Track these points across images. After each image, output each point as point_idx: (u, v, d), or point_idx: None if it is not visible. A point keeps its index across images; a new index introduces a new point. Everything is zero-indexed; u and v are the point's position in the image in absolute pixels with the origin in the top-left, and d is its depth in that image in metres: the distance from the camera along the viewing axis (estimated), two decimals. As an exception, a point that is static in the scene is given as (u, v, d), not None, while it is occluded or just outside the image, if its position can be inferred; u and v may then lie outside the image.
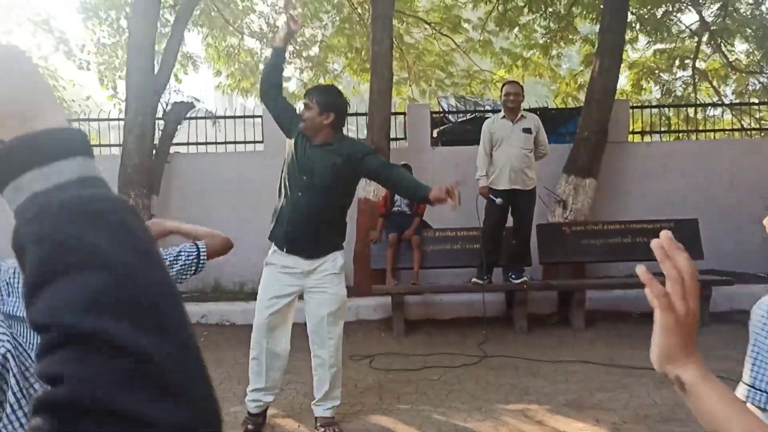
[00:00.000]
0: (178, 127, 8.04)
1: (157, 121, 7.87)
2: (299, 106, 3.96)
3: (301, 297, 4.01)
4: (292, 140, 3.87)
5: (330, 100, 3.80)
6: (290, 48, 12.31)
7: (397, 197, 6.85)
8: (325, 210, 3.84)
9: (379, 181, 4.03)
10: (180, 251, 2.24)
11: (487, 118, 6.84)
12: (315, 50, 12.70)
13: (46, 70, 12.32)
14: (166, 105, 8.10)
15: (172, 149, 8.20)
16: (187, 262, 2.23)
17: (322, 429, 3.91)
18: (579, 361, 5.34)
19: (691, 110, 9.96)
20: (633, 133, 9.10)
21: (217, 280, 8.08)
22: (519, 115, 6.37)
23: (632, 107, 9.11)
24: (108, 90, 11.45)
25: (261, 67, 12.15)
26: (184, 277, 2.24)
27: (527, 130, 6.33)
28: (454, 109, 9.77)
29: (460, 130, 8.91)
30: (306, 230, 3.82)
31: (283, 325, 3.99)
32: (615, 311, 6.91)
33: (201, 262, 2.28)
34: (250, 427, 3.97)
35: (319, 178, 3.77)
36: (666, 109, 10.10)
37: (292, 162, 3.85)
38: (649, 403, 4.32)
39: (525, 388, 4.72)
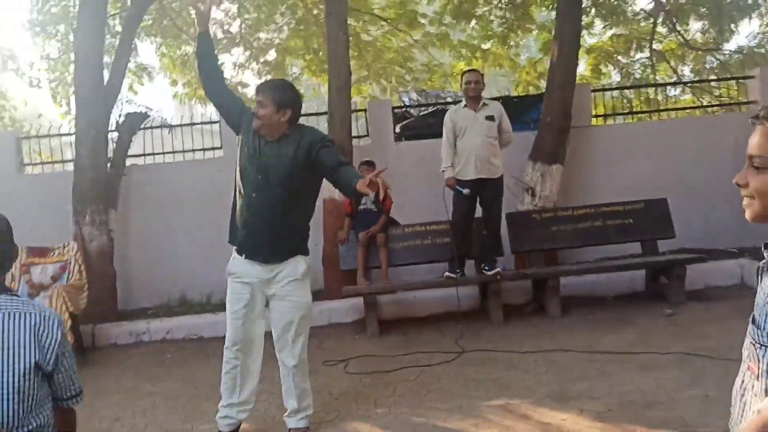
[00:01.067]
0: (133, 138, 7.77)
1: (110, 134, 7.60)
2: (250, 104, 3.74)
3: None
4: (244, 137, 3.66)
5: (286, 96, 3.59)
6: (246, 53, 12.11)
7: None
8: (284, 210, 3.62)
9: (327, 176, 3.65)
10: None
11: (449, 109, 6.71)
12: (272, 54, 12.48)
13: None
14: (119, 116, 7.82)
15: (129, 161, 7.93)
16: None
17: (296, 441, 3.74)
18: (558, 349, 5.23)
19: (651, 91, 9.95)
20: (596, 116, 9.04)
21: (183, 293, 7.84)
22: (481, 103, 6.26)
23: (593, 90, 9.05)
24: (61, 107, 11.11)
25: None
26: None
27: (490, 118, 6.22)
28: (416, 103, 9.64)
29: (422, 124, 8.76)
30: (263, 232, 3.62)
31: (255, 338, 3.83)
32: (590, 296, 6.84)
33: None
34: (223, 445, 3.78)
35: (275, 174, 3.57)
36: (627, 91, 10.07)
37: (245, 159, 3.64)
38: (632, 389, 4.22)
39: (506, 382, 4.59)
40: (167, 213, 7.94)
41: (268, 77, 12.38)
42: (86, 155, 7.11)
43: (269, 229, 3.61)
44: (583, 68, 11.30)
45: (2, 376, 1.84)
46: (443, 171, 6.29)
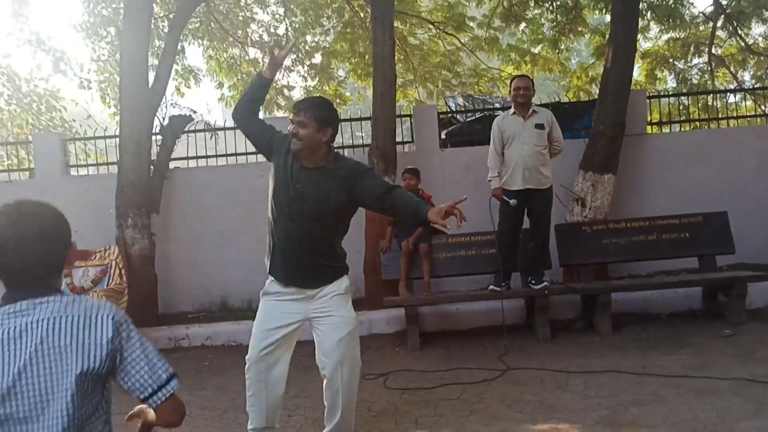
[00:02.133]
0: (177, 141, 7.74)
1: (154, 137, 7.58)
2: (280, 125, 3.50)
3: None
4: (276, 162, 3.46)
5: (327, 115, 3.39)
6: (292, 55, 12.05)
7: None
8: (319, 240, 3.44)
9: (377, 207, 3.45)
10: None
11: (497, 116, 6.48)
12: (318, 57, 12.42)
13: (47, 91, 12.17)
14: (163, 119, 7.81)
15: (171, 164, 7.91)
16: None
17: (331, 466, 3.55)
18: (609, 370, 4.96)
19: (710, 98, 9.54)
20: (651, 124, 8.70)
21: (224, 298, 7.78)
22: (530, 111, 6.02)
23: (649, 97, 8.70)
24: (110, 108, 11.21)
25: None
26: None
27: (540, 126, 5.98)
28: (462, 109, 9.42)
29: (469, 130, 8.54)
30: (301, 262, 3.43)
31: (282, 358, 3.57)
32: (642, 313, 6.54)
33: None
34: (255, 466, 3.60)
35: (311, 206, 3.36)
36: (684, 98, 9.67)
37: (278, 188, 3.43)
38: (689, 417, 3.94)
39: (552, 405, 4.35)
40: (209, 217, 7.88)
41: (313, 80, 12.33)
42: (130, 158, 7.10)
43: (309, 258, 3.44)
44: (637, 73, 10.92)
45: (51, 397, 1.69)
46: (490, 180, 6.08)
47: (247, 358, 3.56)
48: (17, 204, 1.79)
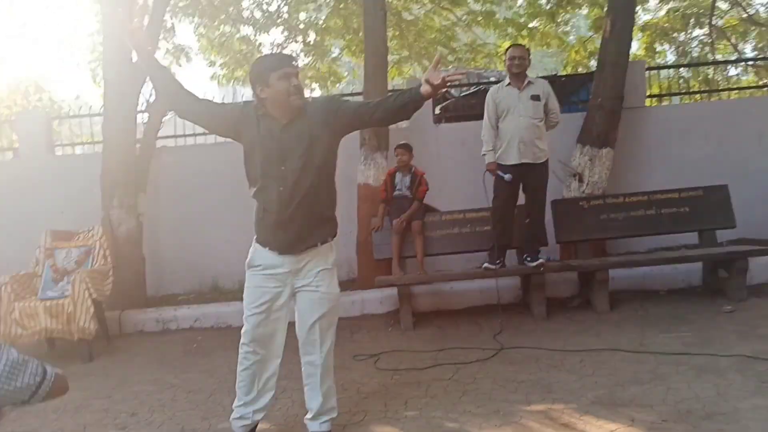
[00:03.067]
0: (164, 119, 7.54)
1: (140, 114, 7.38)
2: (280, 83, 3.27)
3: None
4: (250, 133, 3.29)
5: None
6: (285, 33, 11.82)
7: (397, 180, 6.34)
8: (315, 195, 3.31)
9: (366, 119, 3.30)
10: (26, 365, 1.70)
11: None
12: (312, 34, 12.18)
13: (35, 71, 11.99)
14: (149, 96, 7.60)
15: (159, 143, 7.72)
16: (28, 383, 1.70)
17: (316, 447, 3.43)
18: (606, 349, 4.82)
19: (710, 70, 9.34)
20: (650, 97, 8.50)
21: (215, 279, 7.64)
22: (526, 82, 5.82)
23: (648, 69, 8.49)
24: (100, 87, 10.99)
25: (255, 54, 11.68)
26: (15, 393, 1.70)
27: (536, 97, 5.77)
28: (457, 83, 9.21)
29: (463, 105, 8.37)
30: (299, 224, 3.30)
31: (277, 333, 3.50)
32: (641, 290, 6.39)
33: (39, 393, 1.75)
34: (237, 448, 3.49)
35: (300, 161, 3.22)
36: (684, 70, 9.47)
37: (263, 155, 3.27)
38: (689, 396, 3.79)
39: (548, 385, 4.21)
40: (198, 196, 7.71)
41: (306, 58, 12.10)
42: (115, 136, 6.90)
43: (306, 219, 3.31)
44: (636, 47, 10.73)
45: None
46: (484, 155, 5.89)
47: (242, 331, 3.48)
48: None
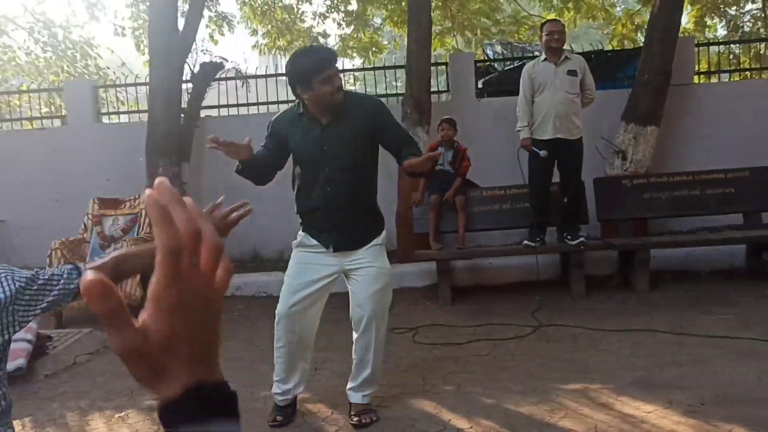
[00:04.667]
0: (207, 89, 7.63)
1: (185, 84, 7.47)
2: (318, 86, 3.29)
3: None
4: (293, 140, 3.37)
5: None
6: (327, 2, 11.78)
7: (439, 155, 6.33)
8: (362, 192, 3.39)
9: (391, 152, 3.42)
10: (57, 274, 1.77)
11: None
12: (354, 3, 12.11)
13: (81, 38, 12.15)
14: (194, 66, 7.68)
15: (202, 113, 7.81)
16: (68, 287, 1.77)
17: (356, 418, 3.50)
18: (646, 329, 4.81)
19: (762, 46, 9.07)
20: (698, 74, 8.30)
21: (256, 248, 7.76)
22: (563, 57, 5.76)
23: (697, 45, 8.28)
24: (144, 55, 11.13)
25: (297, 24, 11.68)
26: (62, 303, 1.78)
27: (572, 72, 5.72)
28: (501, 57, 9.11)
29: (507, 80, 8.23)
30: (350, 224, 3.36)
31: (314, 311, 3.54)
32: (682, 270, 6.32)
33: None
34: (279, 417, 3.57)
35: (344, 159, 3.29)
36: (734, 46, 9.20)
37: (305, 158, 3.35)
38: (728, 380, 3.78)
39: (585, 364, 4.23)
40: (241, 167, 7.79)
41: (348, 28, 12.05)
42: (160, 106, 7.02)
43: (353, 218, 3.37)
44: (686, 20, 10.43)
45: None
46: (519, 130, 5.84)
47: (277, 310, 3.51)
48: None
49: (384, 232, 3.54)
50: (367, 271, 3.43)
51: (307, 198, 3.41)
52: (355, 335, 3.56)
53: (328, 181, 3.31)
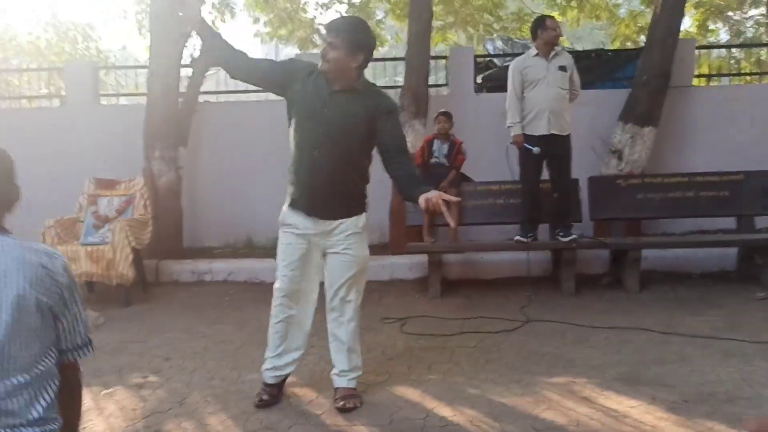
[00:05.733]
0: (206, 75, 7.62)
1: (183, 69, 7.47)
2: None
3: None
4: (299, 89, 3.32)
5: (361, 39, 3.25)
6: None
7: (435, 147, 6.33)
8: (347, 169, 3.37)
9: (382, 156, 3.40)
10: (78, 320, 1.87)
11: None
12: (356, -5, 12.09)
13: (81, 21, 12.17)
14: (194, 52, 7.68)
15: (201, 98, 7.81)
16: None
17: (341, 402, 3.52)
18: (633, 328, 4.83)
19: (763, 52, 9.08)
20: (698, 76, 8.31)
21: (249, 234, 7.76)
22: (553, 52, 5.79)
23: (698, 47, 8.29)
24: (145, 39, 11.12)
25: (300, 14, 11.66)
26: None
27: (563, 68, 5.77)
28: (501, 52, 9.10)
29: (506, 75, 8.23)
30: (327, 193, 3.35)
31: (310, 289, 3.60)
32: (673, 272, 6.35)
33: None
34: (264, 397, 3.60)
35: (340, 131, 3.27)
36: (735, 50, 9.21)
37: (303, 114, 3.32)
38: (712, 379, 3.80)
39: (571, 359, 4.24)
40: (237, 152, 7.81)
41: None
42: (158, 90, 7.02)
43: (335, 189, 3.36)
44: (689, 24, 10.45)
45: None
46: (509, 127, 5.85)
47: (275, 287, 3.60)
48: None
49: (364, 221, 3.55)
50: (341, 258, 3.50)
51: (299, 161, 3.39)
52: (328, 320, 3.66)
53: (320, 144, 3.29)
